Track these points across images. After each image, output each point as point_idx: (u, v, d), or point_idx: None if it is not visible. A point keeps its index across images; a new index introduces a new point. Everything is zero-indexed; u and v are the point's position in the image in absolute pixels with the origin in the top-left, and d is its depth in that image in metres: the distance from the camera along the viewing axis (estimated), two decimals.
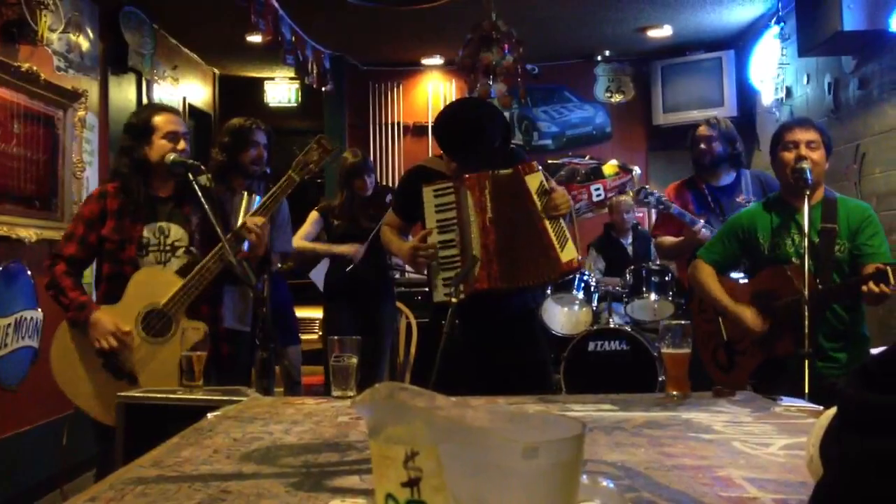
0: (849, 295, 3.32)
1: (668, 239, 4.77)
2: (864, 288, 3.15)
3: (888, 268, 3.13)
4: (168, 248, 3.45)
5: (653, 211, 5.80)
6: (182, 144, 3.49)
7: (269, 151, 4.38)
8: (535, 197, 3.31)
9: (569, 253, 3.30)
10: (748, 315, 3.49)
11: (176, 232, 3.47)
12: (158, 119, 3.50)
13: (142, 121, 3.52)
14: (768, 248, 3.51)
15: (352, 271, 5.31)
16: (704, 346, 3.71)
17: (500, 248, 3.32)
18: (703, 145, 4.64)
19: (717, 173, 4.68)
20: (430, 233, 3.38)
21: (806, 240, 3.26)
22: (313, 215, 5.55)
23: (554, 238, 3.30)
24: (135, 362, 3.34)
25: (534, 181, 3.32)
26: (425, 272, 3.52)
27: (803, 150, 3.39)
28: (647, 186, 4.87)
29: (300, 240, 5.30)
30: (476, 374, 3.40)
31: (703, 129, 4.69)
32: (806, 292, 3.15)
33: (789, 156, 3.41)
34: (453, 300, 3.14)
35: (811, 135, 3.42)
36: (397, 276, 6.22)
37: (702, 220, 4.51)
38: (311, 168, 3.40)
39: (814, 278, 3.24)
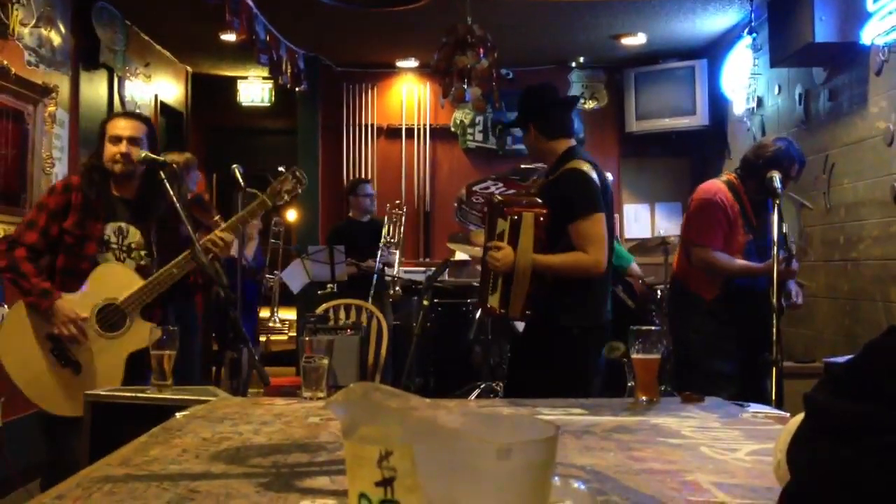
0: None
1: (739, 263, 4.11)
2: None
3: None
4: (125, 248, 3.48)
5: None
6: (120, 147, 3.44)
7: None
8: (496, 237, 3.41)
9: (493, 301, 3.48)
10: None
11: (133, 234, 3.50)
12: (109, 124, 3.54)
13: (100, 125, 3.59)
14: None
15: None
16: None
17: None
18: (779, 188, 3.91)
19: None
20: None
21: (775, 248, 3.30)
22: None
23: (488, 281, 3.50)
24: (83, 353, 3.36)
25: (502, 224, 3.39)
26: None
27: None
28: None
29: None
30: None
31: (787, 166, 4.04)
32: (774, 300, 3.20)
33: None
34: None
35: None
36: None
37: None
38: (283, 196, 3.45)
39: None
